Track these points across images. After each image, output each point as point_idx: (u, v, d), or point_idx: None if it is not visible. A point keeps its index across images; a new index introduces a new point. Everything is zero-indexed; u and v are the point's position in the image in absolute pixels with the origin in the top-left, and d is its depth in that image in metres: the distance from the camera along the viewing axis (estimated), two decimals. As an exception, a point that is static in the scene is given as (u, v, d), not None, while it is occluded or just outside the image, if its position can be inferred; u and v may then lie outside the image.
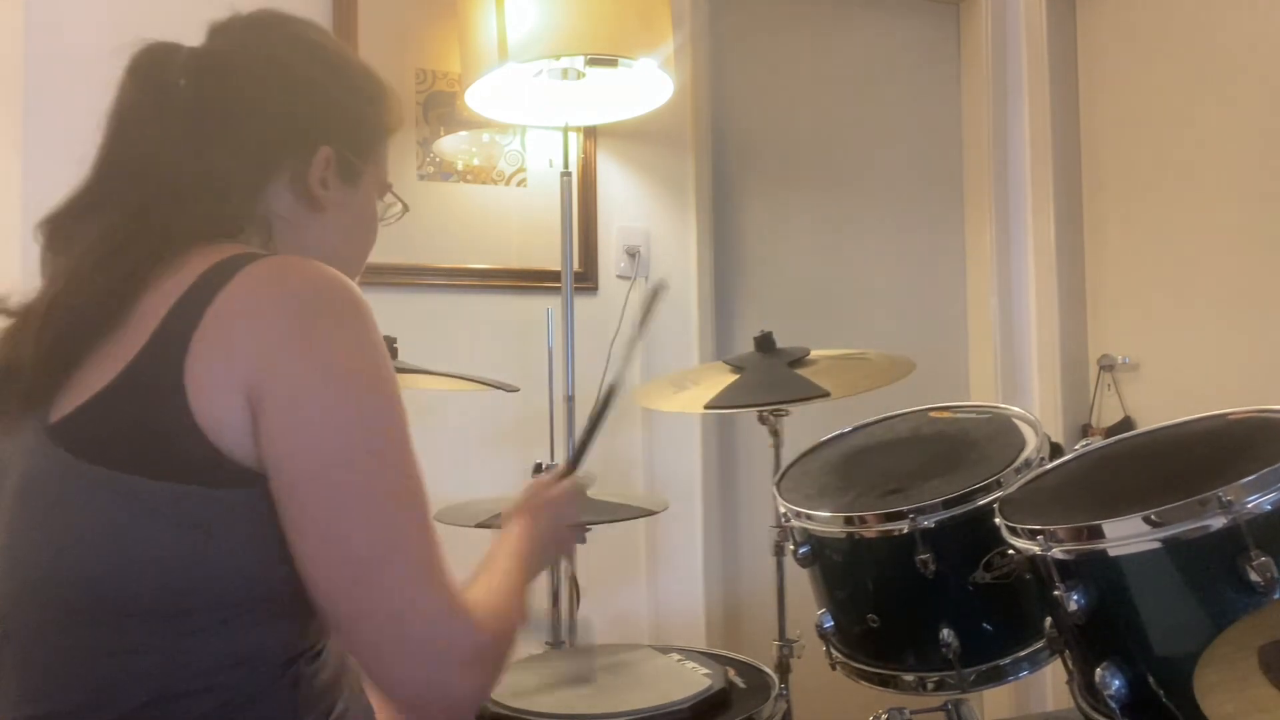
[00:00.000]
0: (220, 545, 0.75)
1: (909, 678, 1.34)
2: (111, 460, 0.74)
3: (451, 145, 2.13)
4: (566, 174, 2.01)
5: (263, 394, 0.75)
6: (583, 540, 1.55)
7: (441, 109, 2.12)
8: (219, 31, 0.93)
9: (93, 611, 0.75)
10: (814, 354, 1.71)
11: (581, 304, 2.16)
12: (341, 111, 0.95)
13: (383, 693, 0.78)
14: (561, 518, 1.08)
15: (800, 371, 1.64)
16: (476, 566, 0.93)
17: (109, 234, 0.82)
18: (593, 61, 1.86)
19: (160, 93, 0.87)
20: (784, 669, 1.66)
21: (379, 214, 1.03)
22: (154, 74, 0.87)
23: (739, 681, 1.21)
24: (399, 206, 1.06)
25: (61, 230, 0.86)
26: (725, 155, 2.49)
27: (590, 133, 2.22)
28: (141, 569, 0.74)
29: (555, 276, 2.13)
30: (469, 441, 2.09)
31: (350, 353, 0.78)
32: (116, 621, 0.75)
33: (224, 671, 0.77)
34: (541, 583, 1.82)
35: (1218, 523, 0.93)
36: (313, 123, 0.92)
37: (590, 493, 1.63)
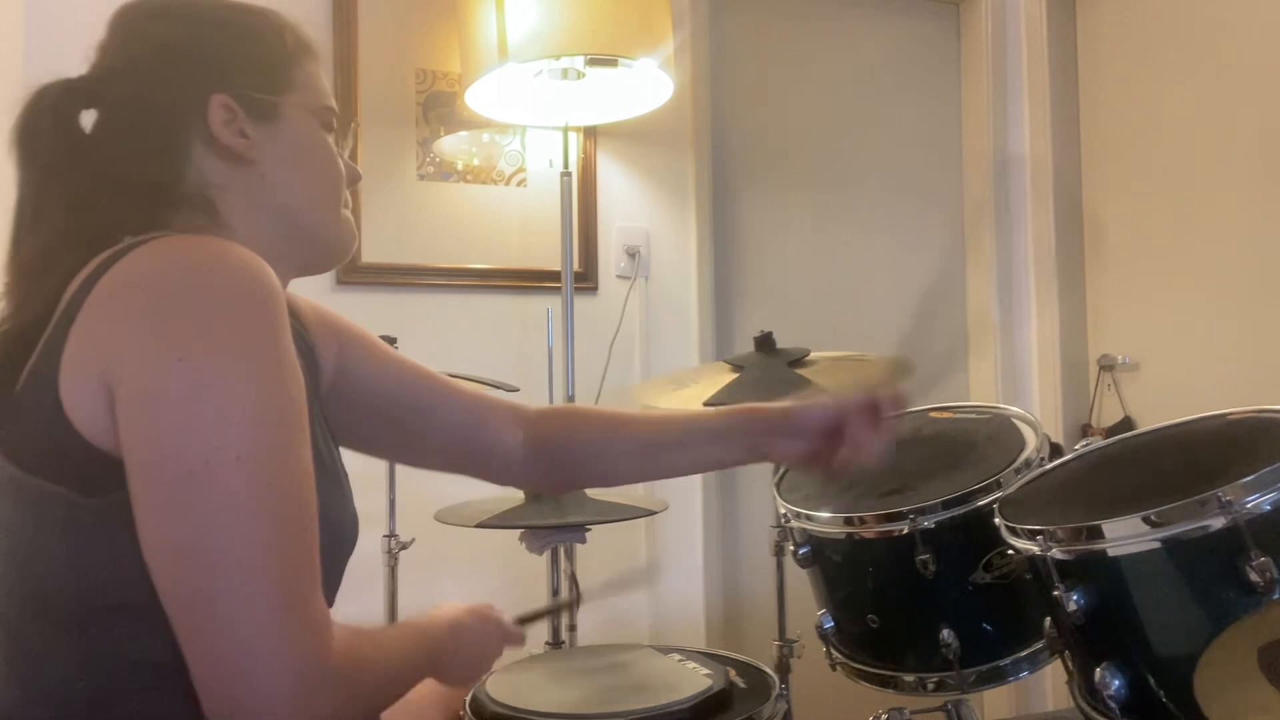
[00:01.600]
0: (101, 544, 0.72)
1: (909, 678, 1.34)
2: (19, 460, 0.74)
3: (451, 145, 2.13)
4: (566, 174, 2.01)
5: (116, 380, 0.70)
6: (582, 540, 1.55)
7: (441, 109, 2.12)
8: (98, 46, 0.90)
9: (43, 613, 0.75)
10: (814, 354, 1.71)
11: (581, 304, 2.16)
12: (222, 55, 0.89)
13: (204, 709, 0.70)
14: (492, 641, 1.04)
15: (800, 371, 1.64)
16: (387, 626, 0.88)
17: (36, 257, 0.81)
18: (593, 61, 1.86)
19: (36, 138, 0.85)
20: (784, 669, 1.66)
21: (333, 146, 0.95)
22: (26, 126, 0.85)
23: (739, 681, 1.21)
24: (353, 131, 1.02)
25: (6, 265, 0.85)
26: (725, 155, 2.49)
27: (590, 133, 2.22)
28: (45, 569, 0.73)
29: (555, 276, 2.13)
30: (469, 441, 2.09)
31: (219, 337, 0.70)
32: (67, 623, 0.74)
33: (142, 674, 0.75)
34: (541, 582, 1.82)
35: (1217, 523, 0.93)
36: (192, 78, 0.87)
37: (590, 493, 1.63)
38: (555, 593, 1.82)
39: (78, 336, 0.73)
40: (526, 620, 1.15)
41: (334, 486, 0.89)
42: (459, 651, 0.97)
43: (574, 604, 1.15)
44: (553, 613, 1.17)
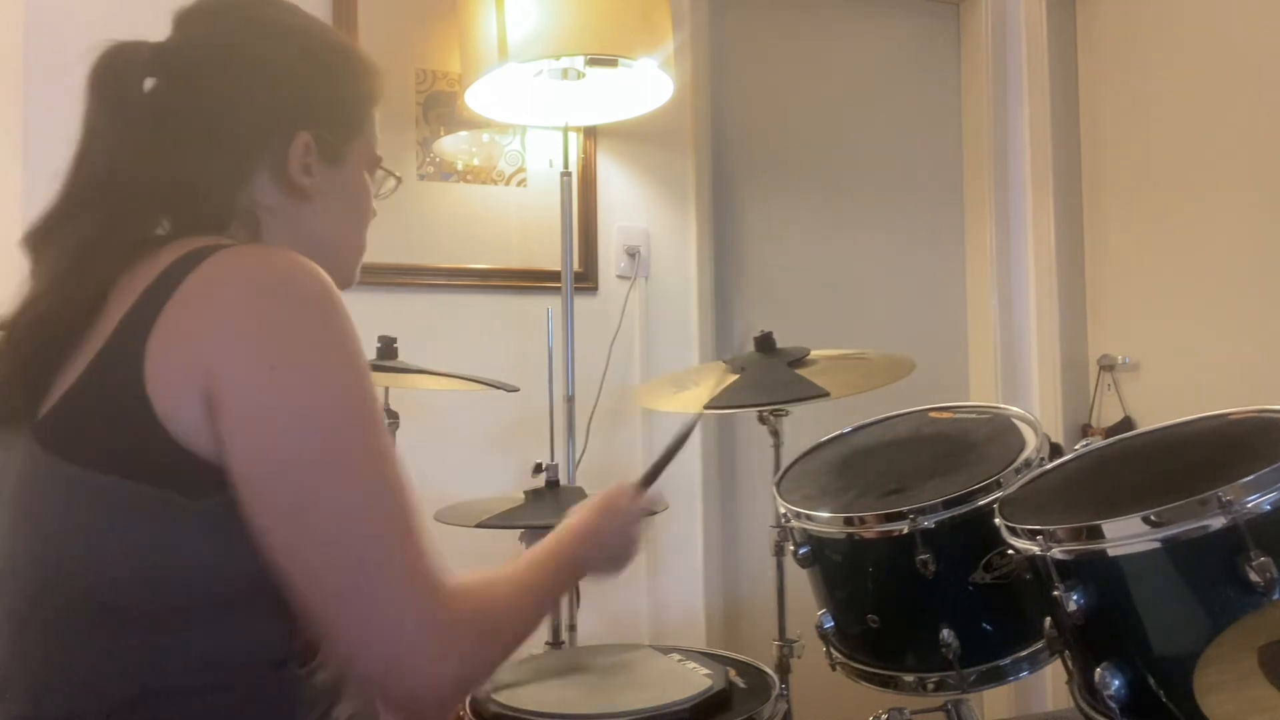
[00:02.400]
0: (189, 544, 0.74)
1: (909, 678, 1.34)
2: (80, 457, 0.74)
3: (451, 145, 2.13)
4: (566, 174, 2.01)
5: (219, 390, 0.73)
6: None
7: (441, 109, 2.12)
8: (183, 22, 0.90)
9: (73, 611, 0.75)
10: (814, 354, 1.71)
11: (581, 304, 2.16)
12: (315, 94, 0.92)
13: (357, 680, 0.77)
14: (627, 530, 1.06)
15: (800, 371, 1.64)
16: (518, 557, 0.92)
17: (82, 243, 0.81)
18: (593, 61, 1.86)
19: (122, 100, 0.85)
20: (784, 669, 1.66)
21: (373, 190, 1.00)
22: (114, 81, 0.85)
23: (739, 681, 1.21)
24: (393, 181, 1.04)
25: (41, 242, 0.85)
26: (725, 155, 2.49)
27: (590, 133, 2.22)
28: (114, 568, 0.74)
29: (555, 276, 2.13)
30: (469, 441, 2.09)
31: (312, 344, 0.75)
32: (96, 621, 0.75)
33: (207, 672, 0.77)
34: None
35: (1217, 523, 0.93)
36: (285, 110, 0.89)
37: (590, 493, 1.63)
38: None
39: (167, 341, 0.74)
40: (650, 481, 1.14)
41: None
42: (599, 555, 1.03)
43: (682, 443, 1.15)
44: (667, 460, 1.16)
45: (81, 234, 0.82)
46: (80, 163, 0.86)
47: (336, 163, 0.93)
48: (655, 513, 1.13)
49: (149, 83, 0.87)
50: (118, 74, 0.86)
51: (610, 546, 1.04)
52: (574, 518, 1.03)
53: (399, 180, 1.06)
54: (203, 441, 0.73)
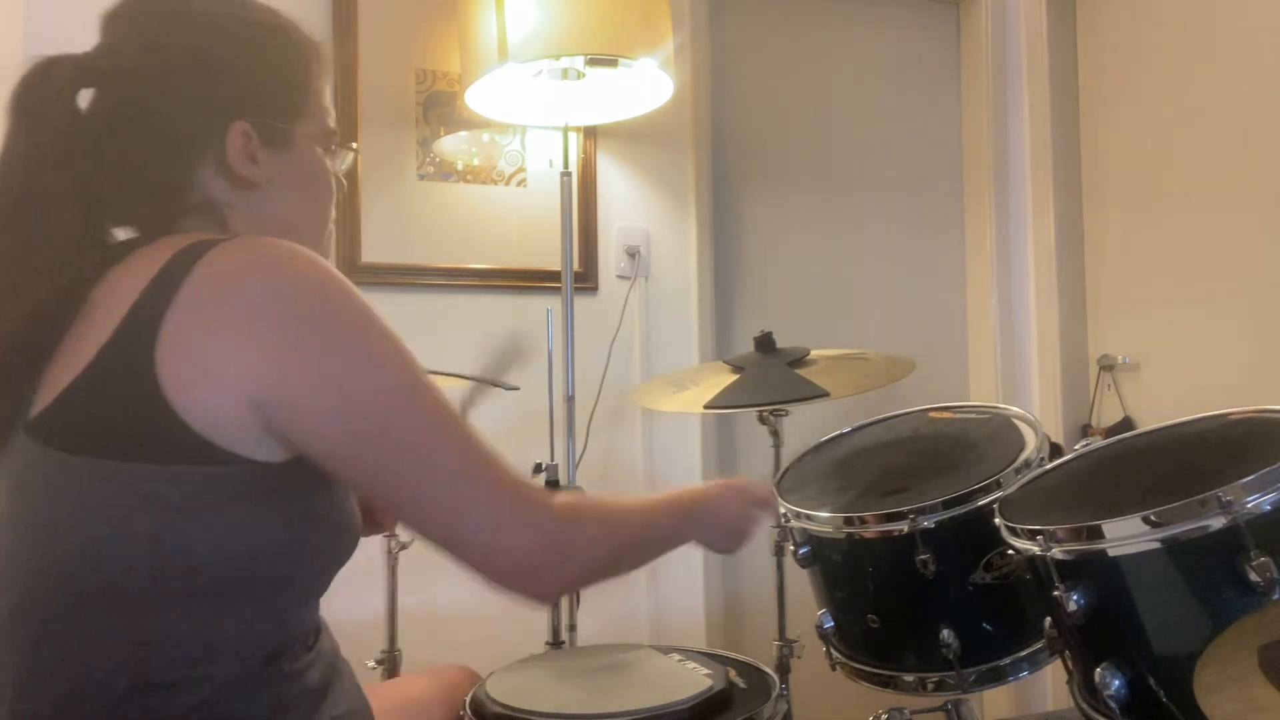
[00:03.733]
0: (190, 526, 0.75)
1: (909, 678, 1.34)
2: (85, 448, 0.74)
3: (451, 145, 2.13)
4: (566, 174, 2.01)
5: (275, 395, 0.75)
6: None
7: (441, 109, 2.12)
8: (106, 26, 0.89)
9: (72, 602, 0.76)
10: (814, 354, 1.71)
11: (581, 304, 2.16)
12: (247, 81, 0.90)
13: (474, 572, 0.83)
14: (749, 513, 1.12)
15: (800, 371, 1.64)
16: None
17: (8, 258, 0.81)
18: (593, 61, 1.86)
19: (44, 115, 0.84)
20: (784, 669, 1.66)
21: (331, 167, 0.97)
22: (38, 98, 0.84)
23: (739, 682, 1.21)
24: (351, 154, 1.03)
25: None
26: (725, 155, 2.49)
27: (590, 133, 2.22)
28: (116, 554, 0.74)
29: (555, 276, 2.13)
30: (469, 441, 2.09)
31: (343, 324, 0.78)
32: (91, 615, 0.75)
33: (201, 664, 0.77)
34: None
35: (1217, 523, 0.93)
36: (214, 103, 0.88)
37: (590, 493, 1.63)
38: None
39: (185, 342, 0.74)
40: (496, 372, 1.21)
41: (349, 493, 0.90)
42: (717, 520, 1.09)
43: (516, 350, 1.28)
44: (508, 359, 1.25)
45: (18, 245, 0.81)
46: (5, 184, 0.84)
47: (283, 146, 0.91)
48: (778, 524, 1.18)
49: (82, 95, 0.86)
50: (39, 91, 0.84)
51: (728, 520, 1.10)
52: (699, 486, 1.08)
53: (355, 152, 1.05)
54: (242, 439, 0.75)
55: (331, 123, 0.97)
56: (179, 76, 0.87)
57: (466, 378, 1.71)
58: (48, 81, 0.84)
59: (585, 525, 0.87)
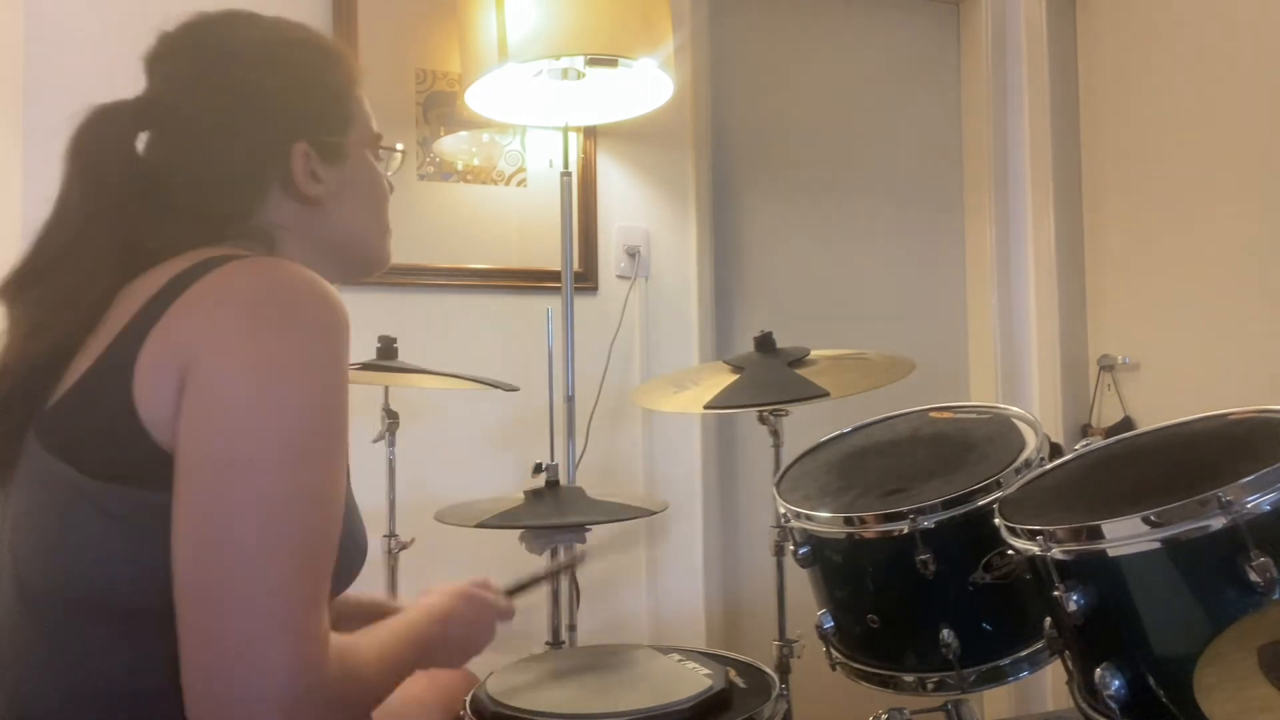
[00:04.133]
0: (169, 545, 0.73)
1: (909, 678, 1.34)
2: (71, 457, 0.74)
3: (451, 145, 2.13)
4: (566, 174, 2.01)
5: (191, 370, 0.72)
6: (582, 540, 1.55)
7: (441, 109, 2.12)
8: (153, 67, 0.90)
9: (64, 613, 0.76)
10: (814, 354, 1.70)
11: (581, 304, 2.16)
12: (300, 101, 0.91)
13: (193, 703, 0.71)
14: (483, 623, 1.05)
15: (800, 371, 1.64)
16: (375, 625, 0.89)
17: (67, 290, 0.81)
18: (593, 61, 1.86)
19: (105, 164, 0.85)
20: (784, 669, 1.66)
21: (381, 170, 1.00)
22: (96, 147, 0.85)
23: (739, 681, 1.21)
24: (398, 155, 1.04)
25: (21, 286, 0.84)
26: (725, 155, 2.49)
27: (590, 133, 2.22)
28: (101, 568, 0.74)
29: (555, 276, 2.13)
30: (469, 442, 2.09)
31: (291, 353, 0.74)
32: (83, 623, 0.75)
33: None
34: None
35: (1217, 523, 0.93)
36: (274, 127, 0.89)
37: (590, 493, 1.63)
38: (555, 593, 1.82)
39: (159, 337, 0.74)
40: (516, 591, 1.16)
41: (355, 509, 0.90)
42: (447, 641, 0.99)
43: (561, 571, 1.18)
44: (540, 580, 1.19)
45: (62, 281, 0.82)
46: (54, 225, 0.85)
47: (339, 159, 0.93)
48: (509, 618, 1.11)
49: (141, 139, 0.87)
50: (98, 140, 0.85)
51: (456, 637, 1.01)
52: (432, 598, 1.01)
53: (403, 152, 1.06)
54: (170, 434, 0.72)
55: (375, 126, 0.99)
56: (236, 109, 0.88)
57: (466, 378, 1.72)
58: (106, 130, 0.86)
59: (349, 689, 0.77)
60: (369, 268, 1.01)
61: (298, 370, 0.74)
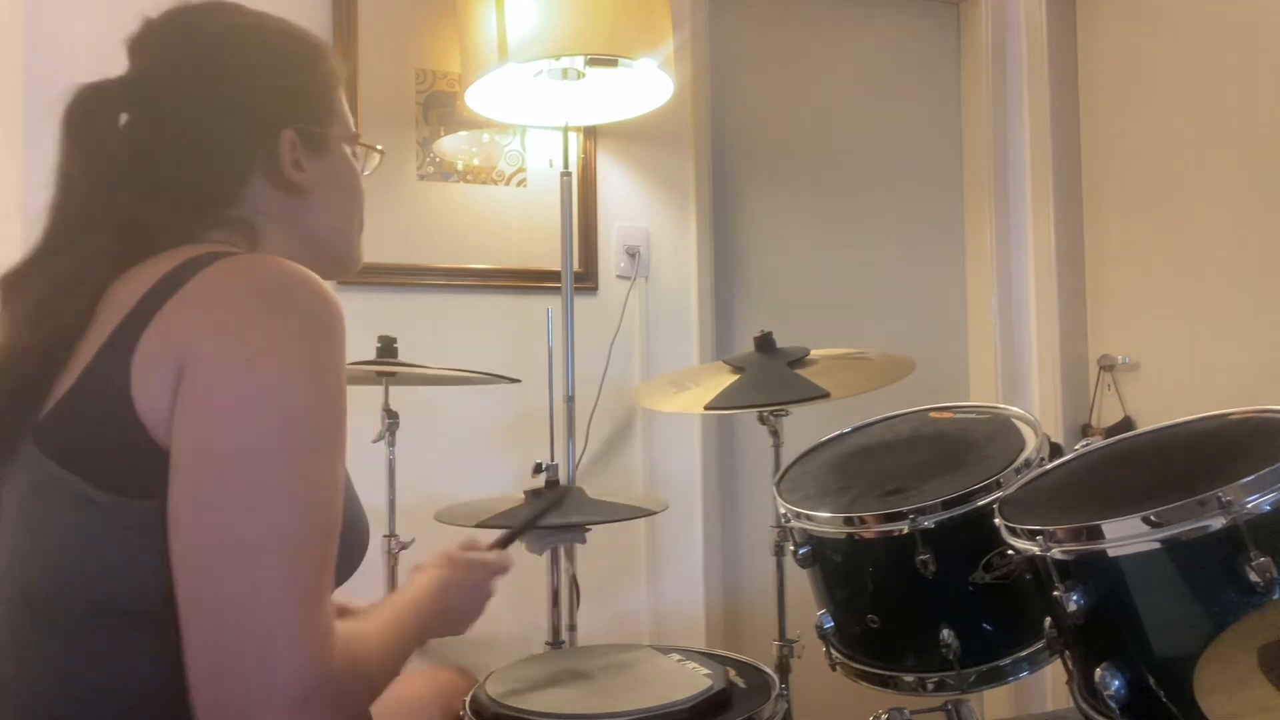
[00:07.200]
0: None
1: (909, 678, 1.34)
2: (71, 464, 0.74)
3: (451, 145, 2.13)
4: (566, 174, 2.01)
5: (187, 364, 0.72)
6: (583, 541, 1.55)
7: (441, 109, 2.12)
8: (139, 49, 0.89)
9: (68, 618, 0.75)
10: (814, 354, 1.70)
11: (581, 304, 2.16)
12: (287, 88, 0.92)
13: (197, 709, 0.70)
14: (478, 584, 1.05)
15: (800, 371, 1.64)
16: (373, 604, 0.89)
17: (64, 277, 0.81)
18: (593, 61, 1.86)
19: (97, 139, 0.85)
20: (784, 669, 1.66)
21: (359, 168, 0.99)
22: (86, 122, 0.85)
23: (739, 681, 1.21)
24: (376, 155, 1.03)
25: (18, 282, 0.84)
26: (725, 155, 2.49)
27: (590, 133, 2.22)
28: (104, 573, 0.74)
29: (555, 276, 2.13)
30: (469, 441, 2.09)
31: (286, 344, 0.74)
32: (88, 629, 0.75)
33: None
34: (541, 582, 1.82)
35: (1217, 523, 0.93)
36: (264, 112, 0.89)
37: (590, 493, 1.63)
38: (555, 593, 1.82)
39: (155, 335, 0.74)
40: (505, 543, 1.16)
41: (355, 499, 0.90)
42: (448, 611, 1.00)
43: (544, 514, 1.18)
44: (526, 527, 1.19)
45: (61, 270, 0.82)
46: (58, 206, 0.85)
47: (322, 151, 0.93)
48: (506, 571, 1.10)
49: (123, 118, 0.87)
50: (89, 115, 0.85)
51: (455, 605, 1.01)
52: (426, 573, 1.01)
53: (382, 152, 1.05)
54: (166, 432, 0.72)
55: (354, 125, 0.99)
56: (224, 93, 0.88)
57: (467, 371, 1.72)
58: (95, 105, 0.85)
59: (355, 680, 0.77)
60: (342, 265, 0.99)
61: (293, 361, 0.73)
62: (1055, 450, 1.33)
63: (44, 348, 0.79)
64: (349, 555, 0.85)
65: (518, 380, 1.74)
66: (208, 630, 0.69)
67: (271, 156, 0.89)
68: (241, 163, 0.88)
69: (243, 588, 0.69)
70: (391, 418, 1.73)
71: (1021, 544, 1.09)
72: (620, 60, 1.84)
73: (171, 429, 0.72)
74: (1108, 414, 2.54)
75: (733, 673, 1.23)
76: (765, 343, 1.73)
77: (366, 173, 1.02)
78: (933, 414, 1.57)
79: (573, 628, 1.85)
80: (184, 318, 0.74)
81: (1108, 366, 2.53)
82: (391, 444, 1.74)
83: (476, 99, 1.98)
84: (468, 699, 1.17)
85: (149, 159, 0.86)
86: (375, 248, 2.08)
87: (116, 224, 0.83)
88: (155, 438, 0.73)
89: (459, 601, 1.02)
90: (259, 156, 0.89)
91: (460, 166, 2.14)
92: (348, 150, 0.97)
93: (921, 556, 1.26)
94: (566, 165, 2.01)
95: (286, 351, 0.73)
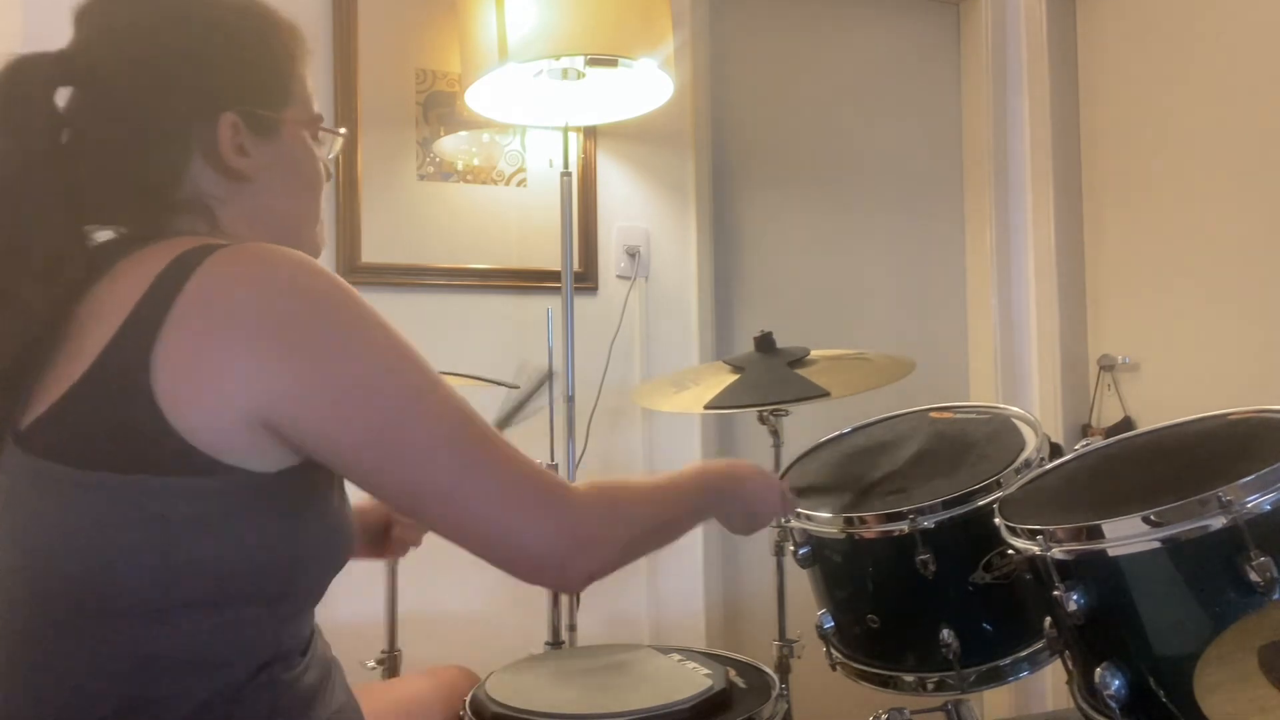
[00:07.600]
0: (188, 537, 0.74)
1: (909, 678, 1.34)
2: (79, 459, 0.73)
3: (451, 145, 2.13)
4: (566, 174, 2.01)
5: (282, 411, 0.74)
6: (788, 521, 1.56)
7: (441, 109, 2.12)
8: (83, 20, 0.86)
9: (68, 616, 0.75)
10: (814, 354, 1.70)
11: (581, 304, 2.16)
12: (231, 70, 0.87)
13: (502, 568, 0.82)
14: (769, 499, 1.14)
15: (800, 371, 1.64)
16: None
17: (31, 264, 0.79)
18: (593, 61, 1.86)
19: (26, 118, 0.82)
20: (784, 669, 1.66)
21: (319, 153, 0.95)
22: (17, 100, 0.82)
23: (739, 681, 1.21)
24: (339, 139, 1.00)
25: None
26: (725, 155, 2.49)
27: (590, 133, 2.22)
28: (109, 566, 0.73)
29: (555, 276, 2.13)
30: (469, 441, 2.09)
31: (341, 328, 0.77)
32: (90, 625, 0.75)
33: (194, 674, 0.76)
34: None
35: (1217, 523, 0.93)
36: (201, 94, 0.85)
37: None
38: (555, 593, 1.82)
39: (182, 357, 0.73)
40: (504, 424, 1.26)
41: (345, 499, 0.90)
42: (742, 498, 1.11)
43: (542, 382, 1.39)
44: (527, 400, 1.26)
45: (49, 246, 0.80)
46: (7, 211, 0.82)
47: (271, 135, 0.89)
48: (778, 524, 1.25)
49: (61, 94, 0.84)
50: (20, 92, 0.82)
51: (752, 503, 1.12)
52: (726, 461, 1.10)
53: (344, 135, 1.01)
54: (240, 451, 0.75)
55: (317, 108, 0.95)
56: (163, 69, 0.84)
57: (466, 375, 1.72)
58: (22, 82, 0.82)
59: (606, 513, 0.86)
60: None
61: (355, 331, 0.78)
62: (1055, 450, 1.33)
63: (17, 342, 0.77)
64: (334, 558, 0.86)
65: (516, 386, 1.73)
66: (479, 542, 0.80)
67: (210, 140, 0.85)
68: (177, 147, 0.85)
69: (479, 500, 0.79)
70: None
71: (1021, 544, 1.09)
72: (620, 60, 1.84)
73: (305, 447, 0.77)
74: (1108, 414, 2.54)
75: (733, 673, 1.23)
76: (765, 342, 1.73)
77: (331, 155, 0.98)
78: (933, 414, 1.57)
79: (573, 628, 1.85)
80: (227, 347, 0.73)
81: (1108, 366, 2.53)
82: (391, 444, 1.73)
83: (476, 99, 1.98)
84: (468, 699, 1.17)
85: (86, 135, 0.83)
86: (375, 248, 2.09)
87: (61, 199, 0.81)
88: (185, 437, 0.73)
89: (754, 499, 1.12)
90: (198, 138, 0.85)
91: (460, 166, 2.14)
92: (306, 135, 0.93)
93: (921, 556, 1.26)
94: (566, 165, 2.01)
95: (342, 327, 0.77)
